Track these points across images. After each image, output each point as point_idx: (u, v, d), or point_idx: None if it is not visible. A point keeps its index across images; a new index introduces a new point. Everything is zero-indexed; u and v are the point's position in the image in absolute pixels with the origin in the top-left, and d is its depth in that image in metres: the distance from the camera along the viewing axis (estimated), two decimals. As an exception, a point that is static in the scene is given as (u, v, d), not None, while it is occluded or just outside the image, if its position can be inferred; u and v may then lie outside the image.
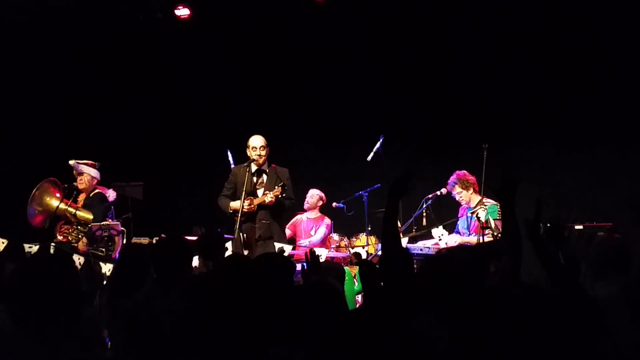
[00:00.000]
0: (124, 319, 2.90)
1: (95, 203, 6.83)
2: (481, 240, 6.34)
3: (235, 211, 6.35)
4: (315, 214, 7.86)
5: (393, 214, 3.43)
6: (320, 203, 7.87)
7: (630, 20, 7.65)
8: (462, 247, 4.13)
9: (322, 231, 7.75)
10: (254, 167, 6.53)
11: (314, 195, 7.79)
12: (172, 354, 2.59)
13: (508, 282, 2.83)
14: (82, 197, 6.89)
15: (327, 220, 7.82)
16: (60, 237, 6.65)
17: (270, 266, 3.24)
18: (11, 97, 8.64)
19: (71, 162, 6.83)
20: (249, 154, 6.59)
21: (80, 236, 6.59)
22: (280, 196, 6.25)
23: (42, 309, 1.97)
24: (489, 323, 1.84)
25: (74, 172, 6.85)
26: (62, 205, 6.64)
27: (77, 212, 6.68)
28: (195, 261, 4.58)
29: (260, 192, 6.44)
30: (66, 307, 2.02)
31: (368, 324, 1.75)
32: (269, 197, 6.26)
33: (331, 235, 7.69)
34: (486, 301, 1.90)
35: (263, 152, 6.50)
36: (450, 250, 3.32)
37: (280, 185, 6.30)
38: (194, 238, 4.96)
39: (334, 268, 4.26)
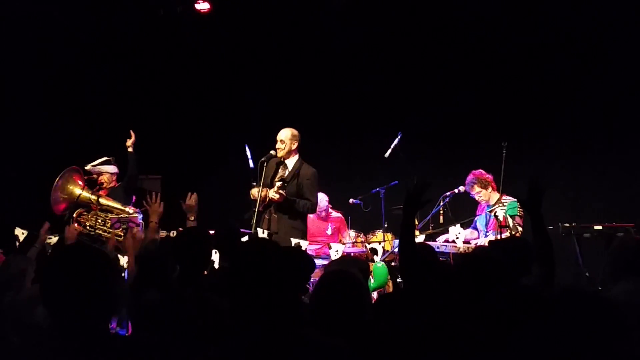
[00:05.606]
0: (149, 311, 2.94)
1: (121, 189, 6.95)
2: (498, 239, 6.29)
3: (254, 200, 6.35)
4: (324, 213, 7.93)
5: (410, 227, 3.43)
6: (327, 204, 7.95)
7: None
8: (496, 246, 4.10)
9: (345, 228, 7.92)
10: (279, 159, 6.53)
11: (322, 199, 7.78)
12: (196, 346, 2.62)
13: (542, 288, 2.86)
14: (103, 193, 6.96)
15: (338, 214, 7.97)
16: (75, 225, 6.68)
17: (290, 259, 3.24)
18: (32, 92, 8.72)
19: (87, 167, 6.94)
20: None
21: (101, 221, 6.65)
22: (279, 191, 6.21)
23: (81, 302, 1.98)
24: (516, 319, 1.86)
25: (93, 175, 6.95)
26: (85, 193, 6.72)
27: (102, 200, 6.71)
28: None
29: (278, 184, 6.43)
30: (106, 299, 2.03)
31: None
32: (271, 193, 6.26)
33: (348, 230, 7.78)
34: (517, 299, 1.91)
35: (282, 146, 6.46)
36: (485, 249, 3.32)
37: (279, 180, 6.30)
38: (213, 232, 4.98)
39: (359, 262, 4.23)
